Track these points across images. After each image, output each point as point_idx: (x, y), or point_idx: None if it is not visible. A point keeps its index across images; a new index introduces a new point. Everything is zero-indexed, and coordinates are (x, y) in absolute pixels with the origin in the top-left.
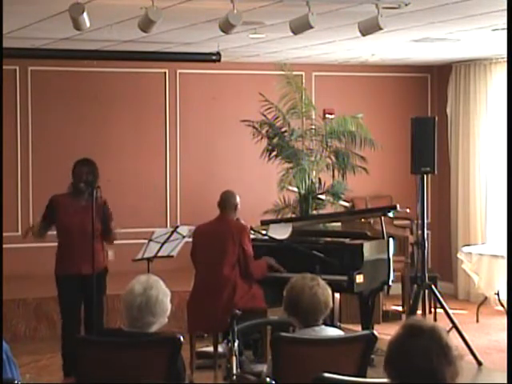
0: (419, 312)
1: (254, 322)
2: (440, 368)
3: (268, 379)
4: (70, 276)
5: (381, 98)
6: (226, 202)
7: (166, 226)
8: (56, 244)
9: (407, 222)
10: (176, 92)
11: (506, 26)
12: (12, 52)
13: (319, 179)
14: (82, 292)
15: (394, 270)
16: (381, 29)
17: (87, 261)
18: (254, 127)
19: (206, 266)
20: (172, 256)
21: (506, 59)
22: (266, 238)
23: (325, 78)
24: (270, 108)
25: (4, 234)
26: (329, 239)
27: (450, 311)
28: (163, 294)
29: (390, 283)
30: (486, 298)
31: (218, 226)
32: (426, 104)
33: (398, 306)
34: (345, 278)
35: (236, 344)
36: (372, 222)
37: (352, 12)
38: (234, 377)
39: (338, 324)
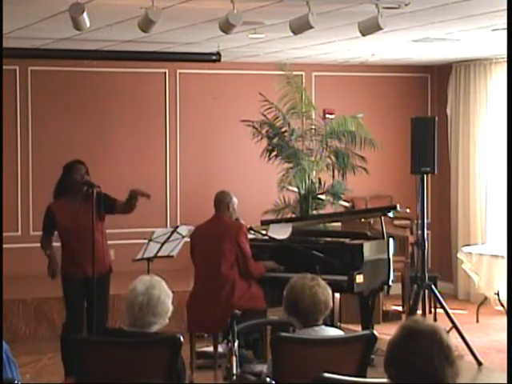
0: (419, 312)
1: (254, 322)
2: (441, 369)
3: (268, 379)
4: (76, 278)
5: (381, 98)
6: (219, 201)
7: (166, 226)
8: (58, 244)
9: (407, 221)
10: (176, 92)
11: (506, 26)
12: (12, 52)
13: (319, 179)
14: (86, 293)
15: (394, 270)
16: (381, 29)
17: (91, 263)
18: (254, 127)
19: (205, 265)
20: (172, 256)
21: (506, 59)
22: (266, 237)
23: (325, 78)
24: (270, 108)
25: (4, 234)
26: (329, 239)
27: (450, 311)
28: (165, 295)
29: (390, 283)
30: (485, 297)
31: (214, 226)
32: (426, 104)
33: (398, 306)
34: (345, 277)
35: (236, 344)
36: (372, 221)
37: (352, 12)
38: (234, 377)
39: (338, 324)
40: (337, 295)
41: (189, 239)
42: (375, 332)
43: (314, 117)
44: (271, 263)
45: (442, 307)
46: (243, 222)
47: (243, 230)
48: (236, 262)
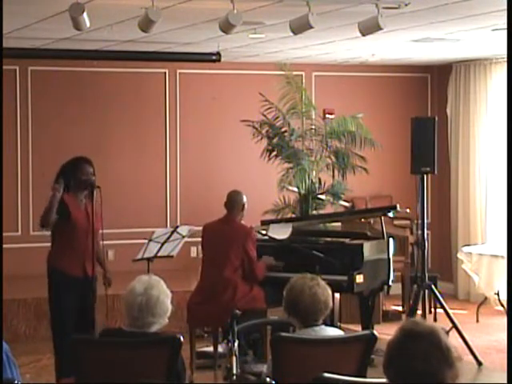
0: (419, 312)
1: (254, 322)
2: (440, 371)
3: (268, 379)
4: (74, 277)
5: (381, 98)
6: (234, 202)
7: (166, 226)
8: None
9: (407, 221)
10: (176, 92)
11: (506, 26)
12: (12, 52)
13: (319, 179)
14: (81, 292)
15: (394, 270)
16: (381, 29)
17: (91, 262)
18: (254, 127)
19: (210, 266)
20: (172, 256)
21: (506, 59)
22: (266, 237)
23: (325, 78)
24: (270, 108)
25: (4, 234)
26: (329, 239)
27: (450, 311)
28: (164, 295)
29: (390, 283)
30: (486, 298)
31: (224, 228)
32: (426, 104)
33: (398, 306)
34: (345, 277)
35: (236, 344)
36: (372, 221)
37: (352, 12)
38: (234, 377)
39: (338, 324)
40: (337, 295)
41: (189, 239)
42: (375, 332)
43: (314, 117)
44: (270, 259)
45: (442, 307)
46: (243, 222)
47: (251, 236)
48: (241, 267)
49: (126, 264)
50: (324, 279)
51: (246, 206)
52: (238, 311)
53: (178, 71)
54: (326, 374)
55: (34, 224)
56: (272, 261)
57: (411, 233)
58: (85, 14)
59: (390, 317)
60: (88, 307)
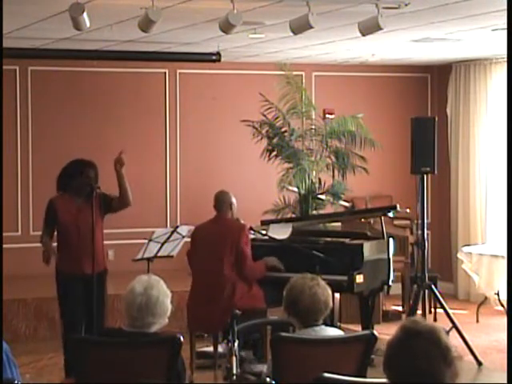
0: (419, 312)
1: (254, 322)
2: (440, 370)
3: (268, 379)
4: (73, 276)
5: (381, 98)
6: (220, 201)
7: (166, 226)
8: (55, 244)
9: (407, 221)
10: (176, 92)
11: (506, 26)
12: (12, 52)
13: (319, 179)
14: (84, 292)
15: (394, 270)
16: (381, 29)
17: (90, 261)
18: (254, 127)
19: (206, 266)
20: (172, 256)
21: (506, 59)
22: (266, 237)
23: (325, 78)
24: (270, 108)
25: (4, 234)
26: (329, 239)
27: (450, 311)
28: (164, 295)
29: (390, 283)
30: (486, 298)
31: (217, 226)
32: (426, 104)
33: (398, 306)
34: (345, 277)
35: (236, 344)
36: (372, 221)
37: (352, 12)
38: (234, 377)
39: (338, 324)
40: (337, 295)
41: (189, 239)
42: (375, 332)
43: (313, 117)
44: (273, 259)
45: (442, 307)
46: (243, 222)
47: (245, 231)
48: (236, 262)
49: (126, 264)
50: (324, 279)
51: (233, 204)
52: (238, 311)
53: (178, 71)
54: (326, 374)
55: (34, 224)
56: (276, 262)
57: (411, 233)
58: (85, 14)
59: (390, 317)
60: (92, 306)
